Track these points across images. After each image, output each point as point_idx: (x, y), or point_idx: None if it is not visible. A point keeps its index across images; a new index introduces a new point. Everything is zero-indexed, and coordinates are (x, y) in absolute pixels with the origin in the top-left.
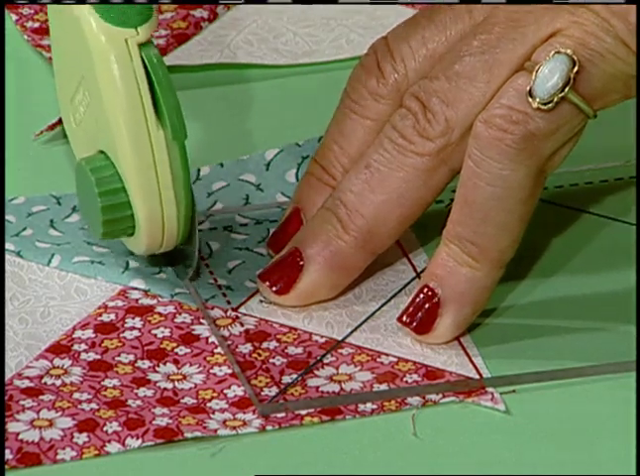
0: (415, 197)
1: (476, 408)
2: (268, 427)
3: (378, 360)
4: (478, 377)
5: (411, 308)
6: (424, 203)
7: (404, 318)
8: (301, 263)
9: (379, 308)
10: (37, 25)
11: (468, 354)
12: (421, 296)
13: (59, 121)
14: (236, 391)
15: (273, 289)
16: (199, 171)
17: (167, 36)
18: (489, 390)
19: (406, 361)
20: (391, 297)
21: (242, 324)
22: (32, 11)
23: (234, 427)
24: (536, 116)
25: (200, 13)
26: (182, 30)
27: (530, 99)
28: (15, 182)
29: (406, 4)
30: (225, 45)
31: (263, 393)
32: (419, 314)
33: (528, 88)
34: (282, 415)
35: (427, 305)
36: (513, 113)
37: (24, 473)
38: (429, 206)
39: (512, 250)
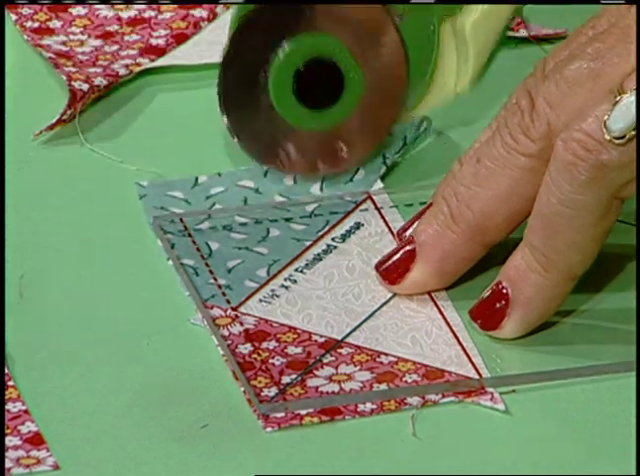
0: (522, 194)
1: (475, 408)
2: (268, 428)
3: (378, 360)
4: (477, 377)
5: (482, 304)
6: (533, 200)
7: (474, 313)
8: (414, 252)
9: (379, 308)
10: (36, 25)
11: (467, 354)
12: (493, 293)
13: (58, 121)
14: (30, 427)
15: (386, 281)
16: (197, 178)
17: (167, 35)
18: (489, 390)
19: (406, 361)
20: (391, 298)
21: (241, 324)
22: (31, 11)
23: (27, 465)
24: (610, 147)
25: (200, 13)
26: (182, 30)
27: (605, 130)
28: (15, 182)
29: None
30: (224, 44)
31: (262, 393)
32: (488, 311)
33: (606, 118)
34: (282, 415)
35: (497, 304)
36: (589, 141)
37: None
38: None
39: (584, 266)
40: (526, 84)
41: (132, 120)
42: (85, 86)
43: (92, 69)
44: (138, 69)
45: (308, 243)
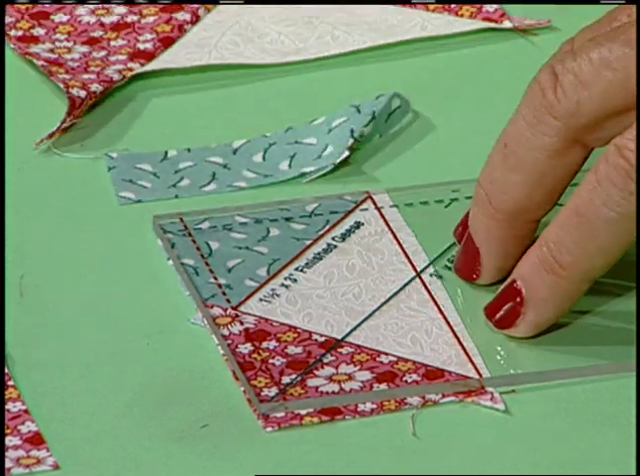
0: (554, 175)
1: (475, 408)
2: (268, 428)
3: (378, 359)
4: (477, 377)
5: (497, 302)
6: (567, 176)
7: (488, 310)
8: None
9: (379, 308)
10: (20, 33)
11: (467, 354)
12: (507, 291)
13: (58, 129)
14: (30, 427)
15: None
16: (167, 153)
17: (154, 39)
18: (489, 390)
19: (406, 360)
20: (391, 297)
21: (241, 323)
22: (13, 19)
23: (27, 465)
24: None
25: (182, 16)
26: (167, 33)
27: None
28: (15, 182)
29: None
30: (212, 46)
31: (262, 393)
32: (502, 310)
33: None
34: (282, 415)
35: (511, 303)
36: None
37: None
38: (574, 177)
39: (604, 270)
40: (550, 62)
41: (130, 124)
42: (83, 93)
43: (86, 76)
44: (130, 74)
45: (308, 242)
